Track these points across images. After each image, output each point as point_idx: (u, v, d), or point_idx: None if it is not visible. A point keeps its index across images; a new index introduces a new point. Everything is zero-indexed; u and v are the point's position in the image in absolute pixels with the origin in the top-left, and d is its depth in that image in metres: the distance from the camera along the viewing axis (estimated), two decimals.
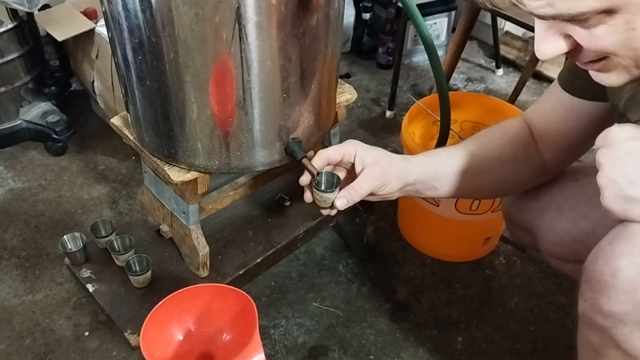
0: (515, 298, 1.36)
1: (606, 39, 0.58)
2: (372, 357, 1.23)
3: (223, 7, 0.75)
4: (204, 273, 1.06)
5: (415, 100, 1.44)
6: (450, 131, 1.26)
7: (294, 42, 0.83)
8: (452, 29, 2.23)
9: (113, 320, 1.00)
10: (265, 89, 0.85)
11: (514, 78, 2.14)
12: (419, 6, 1.07)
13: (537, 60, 1.89)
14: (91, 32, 1.63)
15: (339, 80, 1.07)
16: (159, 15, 0.76)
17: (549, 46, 0.62)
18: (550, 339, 1.27)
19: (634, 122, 0.73)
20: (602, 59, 0.62)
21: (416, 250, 1.47)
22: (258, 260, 1.10)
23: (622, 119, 0.76)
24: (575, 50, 0.62)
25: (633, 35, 0.56)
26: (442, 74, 1.15)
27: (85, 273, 1.07)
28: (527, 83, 1.97)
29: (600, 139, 0.64)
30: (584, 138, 0.92)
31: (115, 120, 1.03)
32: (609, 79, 0.64)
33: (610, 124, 0.88)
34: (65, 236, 1.08)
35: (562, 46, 0.61)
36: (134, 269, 1.03)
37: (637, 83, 0.72)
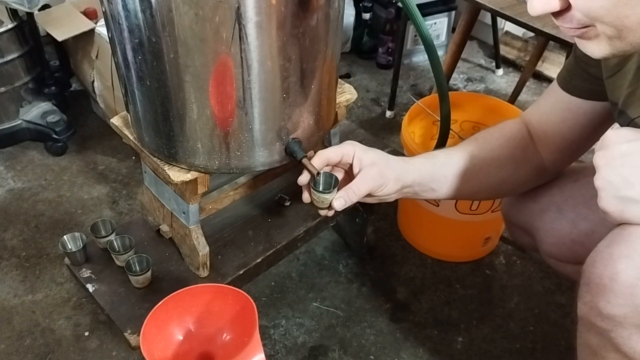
0: (515, 298, 1.36)
1: (597, 1, 0.58)
2: (372, 357, 1.23)
3: (223, 7, 0.75)
4: (204, 273, 1.06)
5: (415, 100, 1.44)
6: (450, 131, 1.26)
7: (294, 42, 0.83)
8: (452, 29, 2.24)
9: (113, 320, 1.00)
10: (265, 89, 0.85)
11: (514, 78, 2.14)
12: (419, 6, 1.07)
13: (537, 60, 1.89)
14: (91, 32, 1.63)
15: (339, 80, 1.07)
16: (159, 15, 0.76)
17: (542, 1, 0.62)
18: (550, 339, 1.27)
19: (633, 119, 0.74)
20: (586, 27, 0.62)
21: (416, 250, 1.47)
22: (258, 260, 1.10)
23: (622, 116, 0.76)
24: (564, 11, 0.62)
25: (623, 1, 0.57)
26: (442, 74, 1.15)
27: (85, 273, 1.07)
28: (527, 83, 1.98)
29: (598, 143, 0.65)
30: (583, 138, 0.92)
31: (115, 120, 1.03)
32: (591, 47, 0.65)
33: (608, 124, 0.88)
34: (65, 236, 1.08)
35: (554, 4, 0.62)
36: (134, 269, 1.03)
37: (636, 79, 0.72)
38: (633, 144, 0.61)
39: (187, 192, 0.97)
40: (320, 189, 0.86)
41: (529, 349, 1.25)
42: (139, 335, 0.87)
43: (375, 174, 0.86)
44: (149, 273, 1.03)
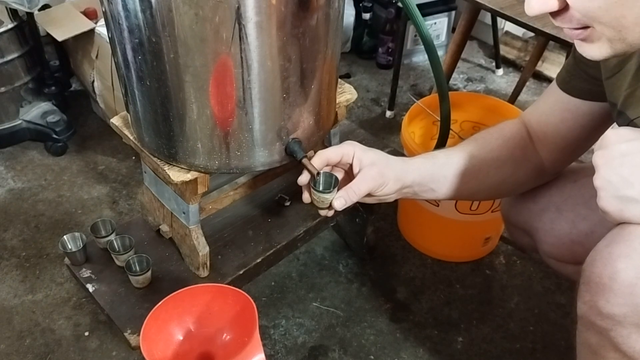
0: (515, 298, 1.36)
1: (595, 1, 0.58)
2: (372, 357, 1.23)
3: (223, 7, 0.75)
4: (204, 273, 1.06)
5: (415, 100, 1.44)
6: (450, 131, 1.26)
7: (294, 42, 0.83)
8: (452, 29, 2.24)
9: (113, 320, 1.00)
10: (265, 89, 0.85)
11: (514, 78, 2.14)
12: (419, 6, 1.07)
13: (537, 60, 1.89)
14: (91, 32, 1.63)
15: (339, 80, 1.07)
16: (159, 15, 0.76)
17: (540, 1, 0.62)
18: (550, 339, 1.27)
19: (632, 120, 0.74)
20: (586, 27, 0.62)
21: (416, 250, 1.47)
22: (258, 260, 1.10)
23: (621, 116, 0.77)
24: (562, 11, 0.63)
25: (621, 1, 0.57)
26: (442, 74, 1.16)
27: (85, 273, 1.07)
28: (527, 83, 1.98)
29: (597, 143, 0.65)
30: (582, 138, 0.92)
31: (115, 120, 1.03)
32: (592, 50, 0.65)
33: (608, 125, 0.88)
34: (65, 236, 1.08)
35: (551, 4, 0.62)
36: (134, 269, 1.03)
37: (635, 80, 0.72)
38: (632, 143, 0.61)
39: (187, 192, 0.97)
40: (320, 189, 0.86)
41: (529, 349, 1.25)
42: (139, 335, 0.87)
43: (375, 173, 0.86)
44: (149, 273, 1.03)
